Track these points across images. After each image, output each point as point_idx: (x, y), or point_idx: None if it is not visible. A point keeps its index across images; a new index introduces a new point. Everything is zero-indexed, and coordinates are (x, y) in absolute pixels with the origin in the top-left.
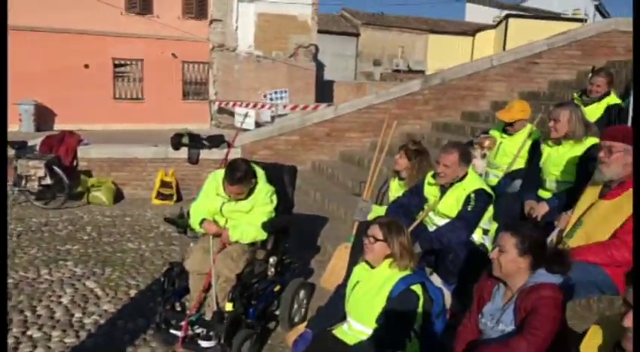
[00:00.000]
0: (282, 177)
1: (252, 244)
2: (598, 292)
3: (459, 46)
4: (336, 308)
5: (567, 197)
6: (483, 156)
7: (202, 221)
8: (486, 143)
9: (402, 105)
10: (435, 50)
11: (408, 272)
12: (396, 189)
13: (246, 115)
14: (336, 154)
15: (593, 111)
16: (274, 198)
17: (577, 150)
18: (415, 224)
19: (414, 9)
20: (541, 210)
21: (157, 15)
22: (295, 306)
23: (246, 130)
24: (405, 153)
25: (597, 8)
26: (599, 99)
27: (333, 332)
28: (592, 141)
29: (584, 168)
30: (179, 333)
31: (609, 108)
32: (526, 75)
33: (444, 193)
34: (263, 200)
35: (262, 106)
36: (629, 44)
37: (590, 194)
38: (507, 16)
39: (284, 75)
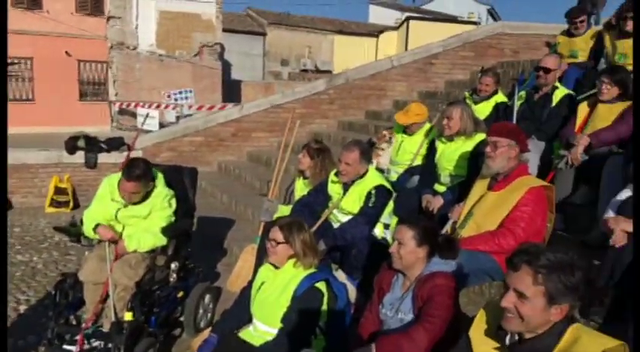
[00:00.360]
0: (182, 180)
1: (152, 250)
2: (489, 278)
3: (364, 47)
4: (241, 311)
5: (460, 190)
6: (388, 144)
7: (96, 226)
8: (384, 132)
9: (308, 104)
10: (341, 50)
11: (312, 270)
12: (301, 188)
13: (147, 116)
14: (244, 155)
15: (483, 109)
16: (173, 202)
17: (468, 145)
18: (320, 222)
19: (320, 9)
20: (436, 203)
21: (46, 10)
22: (201, 311)
23: (148, 132)
24: (308, 152)
25: (489, 12)
26: (488, 97)
27: (239, 334)
28: (481, 137)
29: (474, 163)
30: (74, 348)
31: (497, 106)
32: (424, 75)
33: (347, 191)
34: (161, 204)
35: (166, 107)
36: (516, 46)
37: (480, 187)
38: (408, 19)
39: (189, 74)
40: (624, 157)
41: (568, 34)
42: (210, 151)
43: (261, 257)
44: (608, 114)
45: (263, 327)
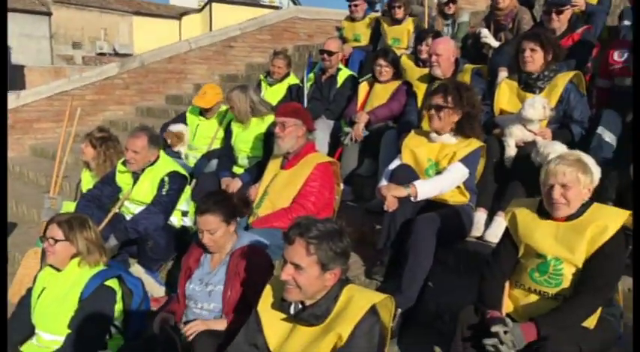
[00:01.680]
0: None
1: None
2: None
3: (166, 30)
4: (21, 323)
5: (258, 171)
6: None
7: None
8: (169, 141)
9: (100, 90)
10: (141, 33)
11: (100, 267)
12: (87, 181)
13: None
14: (26, 149)
15: (277, 91)
16: None
17: (261, 127)
18: (110, 215)
19: None
20: (235, 185)
21: None
22: None
23: None
24: (90, 142)
25: None
26: (282, 79)
27: (21, 349)
28: (271, 118)
29: (268, 143)
30: None
31: (290, 88)
32: (224, 58)
33: (137, 180)
34: None
35: None
36: (309, 30)
37: (273, 166)
38: (210, 1)
39: None
40: (397, 131)
41: (351, 19)
42: None
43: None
44: (383, 92)
45: (48, 337)
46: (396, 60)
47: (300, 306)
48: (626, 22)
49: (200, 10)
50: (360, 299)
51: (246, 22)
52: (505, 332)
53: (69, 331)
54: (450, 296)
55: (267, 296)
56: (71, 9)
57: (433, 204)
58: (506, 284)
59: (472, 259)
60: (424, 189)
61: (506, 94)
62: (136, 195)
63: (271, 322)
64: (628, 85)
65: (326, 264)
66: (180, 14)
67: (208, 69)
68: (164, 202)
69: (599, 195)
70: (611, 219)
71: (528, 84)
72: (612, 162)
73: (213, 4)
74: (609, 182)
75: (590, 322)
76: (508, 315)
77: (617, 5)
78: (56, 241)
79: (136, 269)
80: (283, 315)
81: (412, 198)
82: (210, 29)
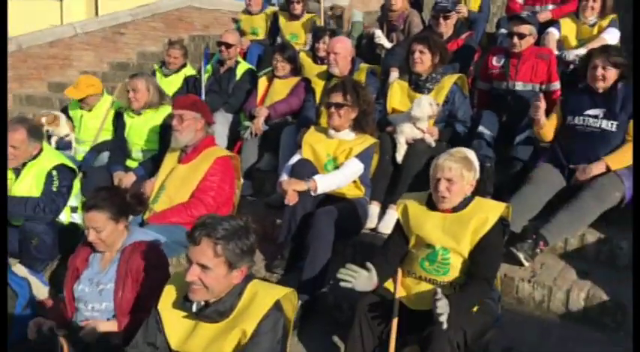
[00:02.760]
0: None
1: None
2: (184, 249)
3: (45, 11)
4: None
5: (153, 164)
6: (49, 136)
7: None
8: (43, 120)
9: None
10: (16, 15)
11: None
12: None
13: None
14: None
15: (173, 82)
16: None
17: (156, 119)
18: None
19: None
20: (128, 180)
21: None
22: None
23: None
24: None
25: None
26: (177, 70)
27: None
28: (167, 109)
29: (164, 136)
30: None
31: (187, 79)
32: (114, 45)
33: (19, 175)
34: None
35: None
36: (203, 20)
37: (170, 160)
38: None
39: None
40: (296, 126)
41: (248, 12)
42: None
43: None
44: (282, 88)
45: None
46: (294, 56)
47: (202, 303)
48: (503, 30)
49: None
50: (265, 296)
51: (137, 8)
52: None
53: None
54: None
55: (167, 294)
56: None
57: (331, 198)
58: (399, 273)
59: (367, 250)
60: (323, 183)
61: (397, 94)
62: (18, 193)
63: (172, 320)
64: (504, 88)
65: (233, 263)
66: None
67: (96, 56)
68: (54, 199)
69: (478, 189)
70: (491, 212)
71: (418, 85)
72: (490, 159)
73: None
74: (487, 177)
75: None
76: (401, 303)
77: (495, 14)
78: None
79: (19, 269)
80: (185, 313)
81: (312, 192)
82: (97, 14)
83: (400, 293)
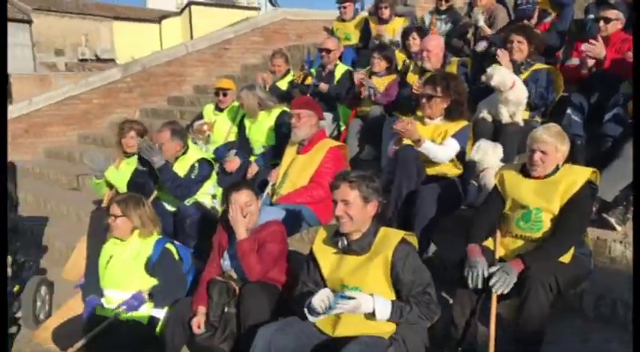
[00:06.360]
0: None
1: None
2: (307, 225)
3: (146, 34)
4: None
5: (273, 155)
6: (207, 141)
7: None
8: (205, 128)
9: (105, 94)
10: (122, 38)
11: (156, 236)
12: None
13: None
14: (40, 152)
15: (280, 87)
16: None
17: (270, 119)
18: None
19: None
20: (252, 170)
21: None
22: (39, 304)
23: None
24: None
25: None
26: (282, 76)
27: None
28: (278, 110)
29: (278, 132)
30: None
31: (292, 83)
32: (220, 60)
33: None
34: None
35: None
36: (298, 31)
37: (290, 152)
38: (189, 4)
39: None
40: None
41: (341, 19)
42: None
43: (91, 242)
44: (379, 84)
45: (116, 295)
46: (391, 55)
47: (346, 242)
48: (591, 16)
49: (179, 13)
50: (394, 235)
51: (237, 24)
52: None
53: (137, 288)
54: (450, 252)
55: (319, 236)
56: (51, 16)
57: (433, 178)
58: (498, 233)
59: (465, 223)
60: (429, 144)
61: None
62: None
63: (324, 255)
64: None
65: (367, 196)
66: (159, 18)
67: (206, 71)
68: (189, 186)
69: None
70: (579, 175)
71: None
72: (581, 137)
73: (192, 7)
74: (578, 152)
75: (566, 258)
76: (501, 259)
77: None
78: (116, 217)
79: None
80: (334, 250)
81: (417, 145)
82: (191, 32)
83: (499, 251)
